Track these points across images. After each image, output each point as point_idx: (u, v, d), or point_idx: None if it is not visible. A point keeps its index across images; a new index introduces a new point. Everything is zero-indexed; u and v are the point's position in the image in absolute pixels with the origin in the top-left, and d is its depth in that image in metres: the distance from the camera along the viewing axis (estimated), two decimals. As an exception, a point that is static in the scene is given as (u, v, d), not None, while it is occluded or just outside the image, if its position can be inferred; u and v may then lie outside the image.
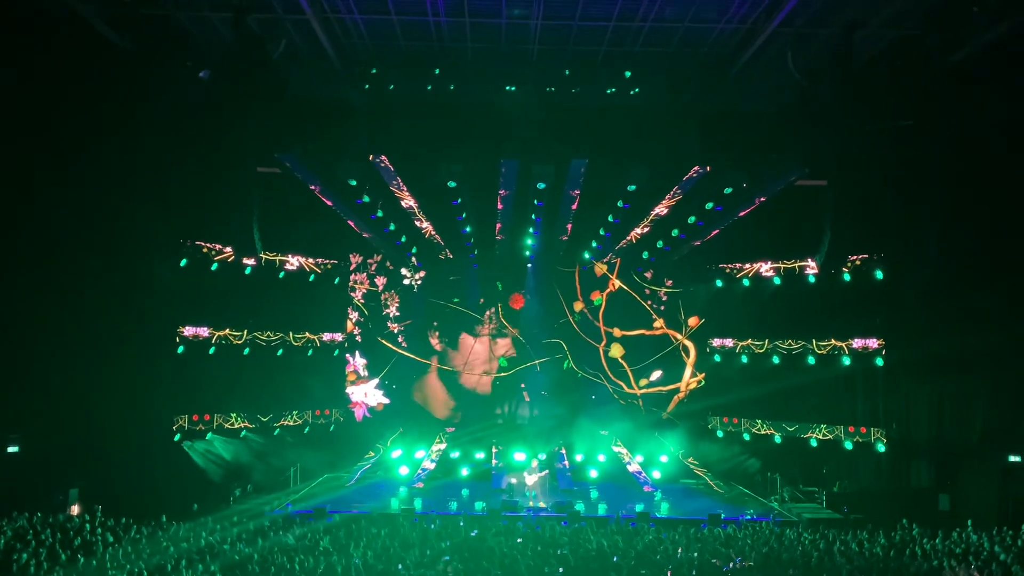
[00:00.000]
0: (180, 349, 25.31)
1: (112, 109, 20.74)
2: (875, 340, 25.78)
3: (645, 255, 30.92)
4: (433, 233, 29.04)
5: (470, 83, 21.92)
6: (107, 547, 15.68)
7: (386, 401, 31.72)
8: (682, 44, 20.28)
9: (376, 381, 31.68)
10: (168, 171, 22.09)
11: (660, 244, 29.27)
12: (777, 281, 28.35)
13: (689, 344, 31.12)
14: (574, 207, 25.65)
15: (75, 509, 22.12)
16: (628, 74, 22.20)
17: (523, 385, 32.02)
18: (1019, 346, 21.68)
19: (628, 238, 28.91)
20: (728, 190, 23.50)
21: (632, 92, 22.25)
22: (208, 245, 25.95)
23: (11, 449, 21.75)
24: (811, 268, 27.23)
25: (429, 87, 22.21)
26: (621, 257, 31.48)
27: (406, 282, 32.18)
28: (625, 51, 20.70)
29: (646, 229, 27.90)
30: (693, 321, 31.11)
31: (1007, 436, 22.52)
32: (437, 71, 21.74)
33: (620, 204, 24.78)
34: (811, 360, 27.35)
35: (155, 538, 17.13)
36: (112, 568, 13.99)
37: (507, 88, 21.78)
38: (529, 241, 29.70)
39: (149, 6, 18.63)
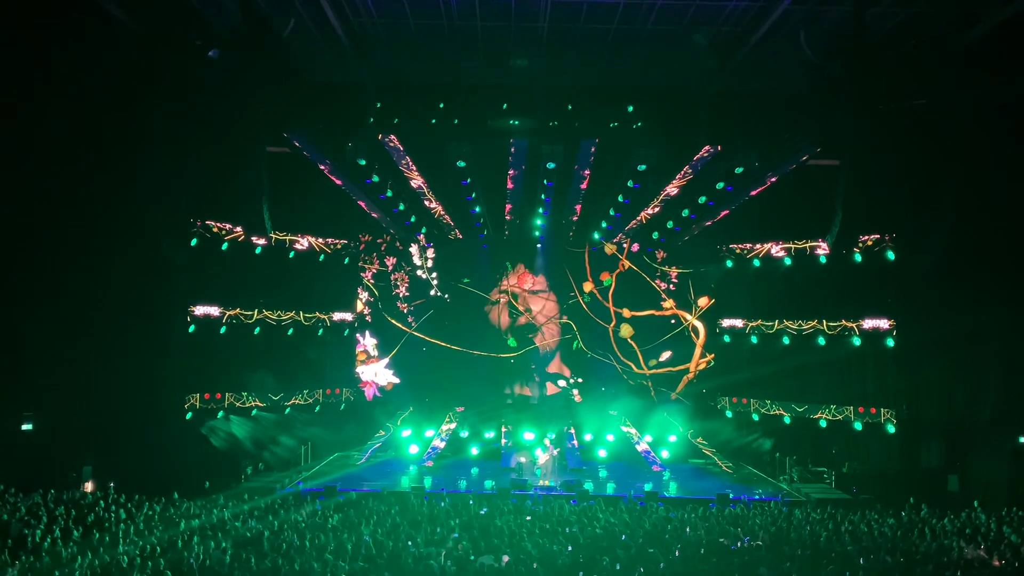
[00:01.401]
0: (191, 328, 25.44)
1: (121, 89, 20.69)
2: (886, 321, 25.68)
3: (655, 235, 30.80)
4: (443, 213, 29.01)
5: (479, 62, 21.80)
6: (120, 524, 15.84)
7: (396, 380, 31.85)
8: (694, 22, 20.07)
9: (386, 360, 31.83)
10: (178, 151, 22.07)
11: (670, 224, 29.14)
12: (788, 261, 28.27)
13: (699, 324, 31.08)
14: (584, 187, 25.57)
15: (88, 486, 22.37)
16: (631, 108, 22.30)
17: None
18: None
19: (638, 218, 28.78)
20: (739, 170, 23.37)
21: (635, 126, 22.34)
22: (218, 225, 26.01)
23: (25, 427, 22.01)
24: (822, 248, 27.11)
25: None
26: (631, 237, 31.38)
27: (416, 261, 32.22)
28: (636, 29, 20.49)
29: (656, 209, 27.77)
30: (703, 301, 31.06)
31: (1017, 417, 22.47)
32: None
33: (630, 184, 24.67)
34: (821, 341, 27.30)
35: (167, 515, 17.31)
36: (125, 544, 14.13)
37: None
38: (539, 221, 29.66)
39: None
